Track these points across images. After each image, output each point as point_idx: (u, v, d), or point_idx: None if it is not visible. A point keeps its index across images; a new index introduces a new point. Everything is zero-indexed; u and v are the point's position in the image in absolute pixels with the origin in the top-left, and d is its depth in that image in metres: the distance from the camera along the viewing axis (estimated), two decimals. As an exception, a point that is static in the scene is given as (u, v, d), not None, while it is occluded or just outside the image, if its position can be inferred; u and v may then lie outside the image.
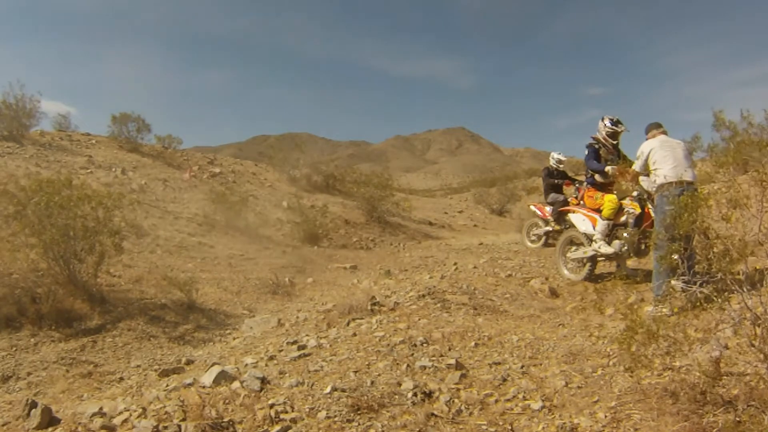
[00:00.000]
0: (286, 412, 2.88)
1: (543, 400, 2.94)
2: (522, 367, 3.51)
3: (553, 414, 2.80)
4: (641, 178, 5.11)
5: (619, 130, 5.98)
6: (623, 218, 5.58)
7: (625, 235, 5.47)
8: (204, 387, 3.30)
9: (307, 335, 4.71)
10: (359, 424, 2.74)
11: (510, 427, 2.70)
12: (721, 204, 2.78)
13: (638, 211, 5.40)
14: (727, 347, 2.85)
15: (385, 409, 2.88)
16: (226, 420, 2.76)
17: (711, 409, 2.39)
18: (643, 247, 5.36)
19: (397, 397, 3.03)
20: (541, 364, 3.57)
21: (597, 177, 6.03)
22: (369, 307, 5.22)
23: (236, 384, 3.25)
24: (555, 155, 9.37)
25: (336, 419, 2.78)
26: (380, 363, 3.63)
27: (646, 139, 4.99)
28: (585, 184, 6.36)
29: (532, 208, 9.57)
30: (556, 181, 9.07)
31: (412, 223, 15.97)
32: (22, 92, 14.17)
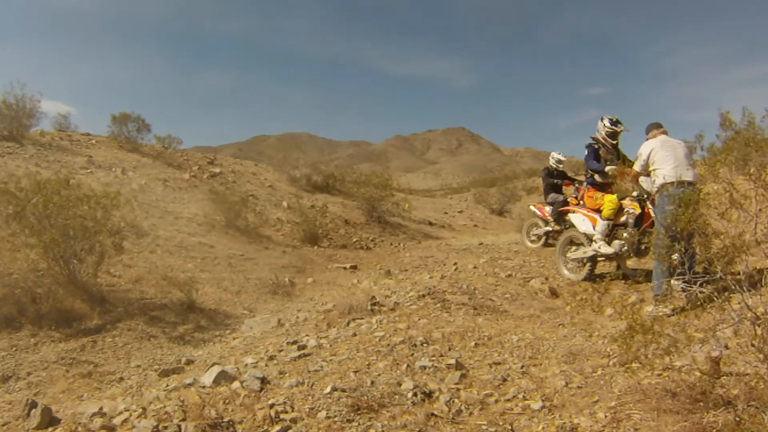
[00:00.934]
0: (286, 412, 2.88)
1: (543, 400, 2.94)
2: (522, 367, 3.51)
3: (553, 414, 2.80)
4: (641, 178, 5.11)
5: (619, 130, 5.98)
6: (623, 218, 5.58)
7: (625, 235, 5.47)
8: (204, 387, 3.30)
9: (307, 335, 4.71)
10: (359, 424, 2.73)
11: (510, 427, 2.70)
12: (720, 204, 2.78)
13: (638, 211, 5.40)
14: (727, 347, 2.85)
15: (385, 409, 2.88)
16: (226, 420, 2.76)
17: (711, 409, 2.39)
18: (643, 247, 5.37)
19: (397, 397, 3.03)
20: (541, 364, 3.57)
21: (597, 177, 6.03)
22: (369, 307, 5.22)
23: (236, 384, 3.25)
24: (555, 155, 9.35)
25: (336, 419, 2.78)
26: (380, 363, 3.63)
27: (647, 139, 4.99)
28: (585, 184, 6.37)
29: (532, 208, 9.55)
30: (555, 181, 9.06)
31: (412, 223, 15.97)
32: (22, 92, 14.14)
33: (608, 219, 5.63)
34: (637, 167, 5.03)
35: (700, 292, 2.74)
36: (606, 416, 2.65)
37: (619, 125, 6.00)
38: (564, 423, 2.64)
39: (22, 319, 5.75)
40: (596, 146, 6.02)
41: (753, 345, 2.39)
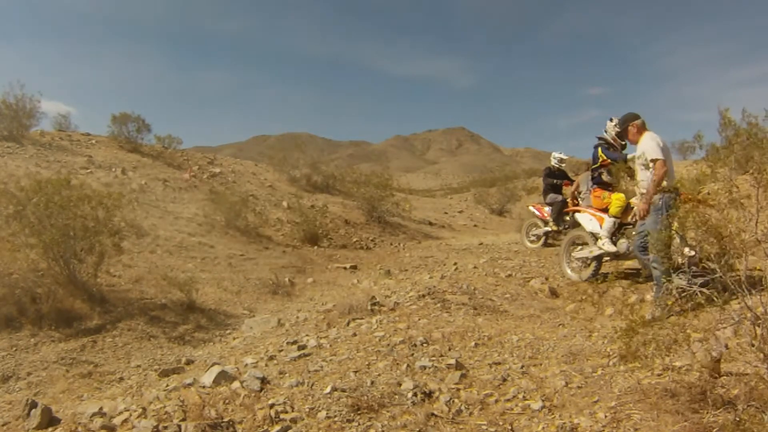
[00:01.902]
0: (286, 412, 2.88)
1: (543, 400, 2.94)
2: (522, 367, 3.51)
3: (553, 414, 2.80)
4: (642, 176, 5.00)
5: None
6: (630, 217, 5.53)
7: (634, 234, 5.41)
8: (204, 387, 3.30)
9: (307, 335, 4.71)
10: (359, 424, 2.73)
11: (510, 427, 2.70)
12: (720, 203, 2.78)
13: None
14: (727, 347, 2.85)
15: (385, 409, 2.88)
16: (226, 420, 2.76)
17: (711, 409, 2.39)
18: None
19: (397, 397, 3.03)
20: (541, 364, 3.57)
21: (604, 176, 5.94)
22: (369, 307, 5.22)
23: (236, 384, 3.25)
24: (556, 155, 9.29)
25: (336, 419, 2.78)
26: (380, 363, 3.63)
27: (637, 131, 4.77)
28: (591, 184, 6.30)
29: (531, 208, 9.51)
30: (555, 181, 9.03)
31: (412, 223, 15.97)
32: (22, 92, 14.16)
33: (615, 217, 5.60)
34: (657, 161, 4.53)
35: (701, 292, 2.74)
36: (606, 416, 2.65)
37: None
38: (564, 423, 2.64)
39: (22, 319, 5.75)
40: (605, 146, 5.96)
41: (753, 345, 2.39)
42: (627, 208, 5.56)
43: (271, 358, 4.03)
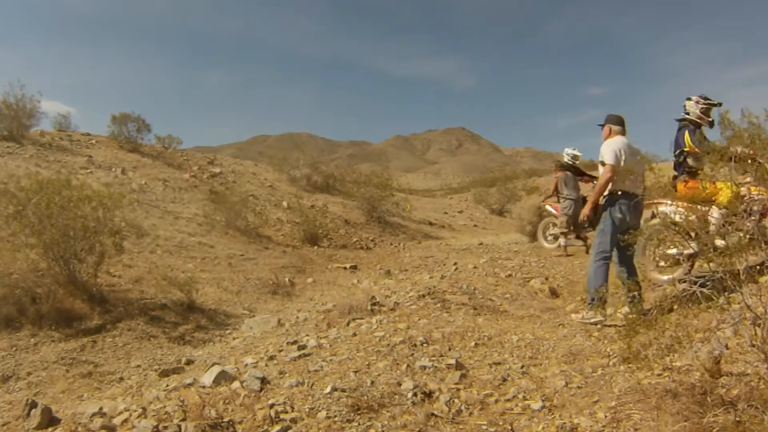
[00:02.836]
0: (286, 412, 2.88)
1: (543, 400, 2.94)
2: (522, 367, 3.51)
3: (553, 414, 2.80)
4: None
5: (715, 103, 5.17)
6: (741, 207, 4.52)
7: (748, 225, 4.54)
8: (204, 387, 3.30)
9: (307, 335, 4.71)
10: (359, 424, 2.73)
11: (510, 427, 2.70)
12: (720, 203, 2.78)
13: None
14: (727, 347, 2.85)
15: (385, 409, 2.88)
16: (226, 420, 2.76)
17: (711, 409, 2.38)
18: None
19: (397, 397, 3.03)
20: (541, 364, 3.57)
21: (689, 160, 5.11)
22: (369, 307, 5.22)
23: (236, 384, 3.25)
24: (569, 150, 8.64)
25: (336, 419, 2.78)
26: (380, 363, 3.63)
27: (611, 138, 4.56)
28: (681, 173, 5.30)
29: (548, 207, 9.09)
30: (580, 177, 8.32)
31: (412, 223, 15.97)
32: (22, 92, 14.15)
33: (725, 208, 4.91)
34: (607, 165, 4.40)
35: (701, 292, 2.74)
36: (606, 416, 2.65)
37: (711, 99, 5.19)
38: (564, 423, 2.64)
39: (22, 319, 5.75)
40: (692, 128, 5.18)
41: (753, 345, 2.39)
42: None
43: (271, 358, 4.03)
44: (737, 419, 2.23)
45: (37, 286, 6.13)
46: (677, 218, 3.74)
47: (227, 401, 3.02)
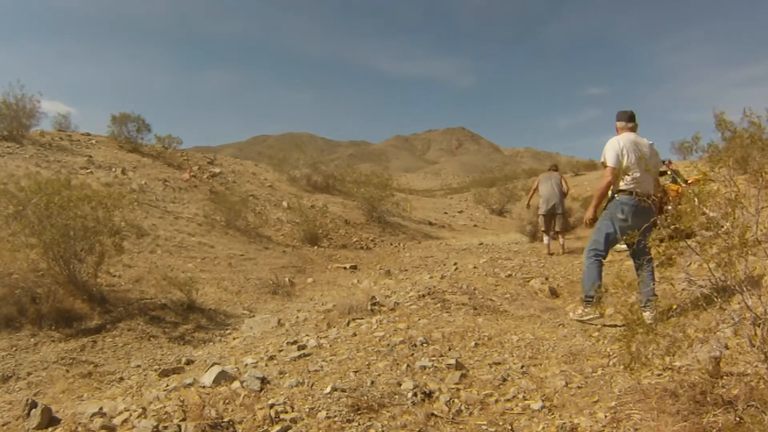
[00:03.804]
0: (286, 412, 2.88)
1: (543, 400, 2.94)
2: (522, 367, 3.51)
3: (553, 414, 2.80)
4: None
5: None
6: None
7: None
8: (204, 387, 3.30)
9: (307, 335, 4.71)
10: (359, 424, 2.73)
11: (510, 427, 2.70)
12: (719, 203, 2.78)
13: None
14: (727, 347, 2.85)
15: (385, 409, 2.88)
16: (226, 420, 2.76)
17: (711, 409, 2.38)
18: None
19: (397, 397, 3.03)
20: (541, 364, 3.57)
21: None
22: (369, 307, 5.22)
23: (236, 384, 3.25)
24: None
25: (336, 419, 2.78)
26: (380, 363, 3.63)
27: (620, 133, 4.47)
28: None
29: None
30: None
31: (412, 223, 15.97)
32: (22, 92, 14.16)
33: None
34: (607, 168, 4.34)
35: (701, 292, 2.74)
36: (606, 416, 2.65)
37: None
38: (564, 423, 2.64)
39: (22, 319, 5.75)
40: None
41: (753, 345, 2.39)
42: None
43: (271, 358, 4.03)
44: (737, 419, 2.23)
45: (37, 286, 6.13)
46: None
47: (227, 401, 3.02)
